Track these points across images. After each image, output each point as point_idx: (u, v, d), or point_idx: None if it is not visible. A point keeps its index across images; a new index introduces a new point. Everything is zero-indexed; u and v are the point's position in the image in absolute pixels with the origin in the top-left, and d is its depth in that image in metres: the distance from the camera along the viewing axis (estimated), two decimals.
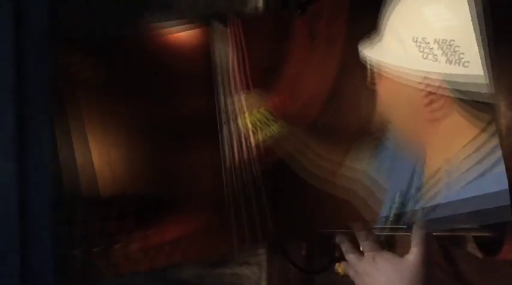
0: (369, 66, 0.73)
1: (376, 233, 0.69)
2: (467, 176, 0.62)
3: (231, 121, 0.87)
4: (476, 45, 0.58)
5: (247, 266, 0.98)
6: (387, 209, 0.74)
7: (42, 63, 0.80)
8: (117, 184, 0.91)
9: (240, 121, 0.90)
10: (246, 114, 0.89)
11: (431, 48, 0.62)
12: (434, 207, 0.67)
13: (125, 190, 0.90)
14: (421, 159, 0.72)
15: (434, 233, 0.67)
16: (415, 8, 0.66)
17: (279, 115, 0.90)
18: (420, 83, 0.63)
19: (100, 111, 0.92)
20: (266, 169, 0.89)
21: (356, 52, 0.76)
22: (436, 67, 0.61)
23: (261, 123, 0.88)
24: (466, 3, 0.59)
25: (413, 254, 0.61)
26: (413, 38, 0.63)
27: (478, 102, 0.60)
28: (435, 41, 0.61)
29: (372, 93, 0.74)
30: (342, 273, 0.83)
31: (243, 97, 0.91)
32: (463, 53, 0.59)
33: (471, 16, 0.58)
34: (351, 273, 0.68)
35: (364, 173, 0.79)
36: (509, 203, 0.57)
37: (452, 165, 0.64)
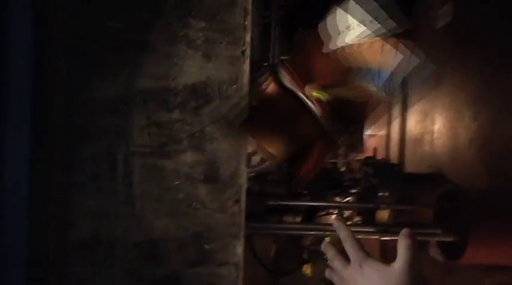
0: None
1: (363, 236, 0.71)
2: None
3: None
4: None
5: (226, 265, 0.99)
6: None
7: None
8: None
9: None
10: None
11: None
12: None
13: None
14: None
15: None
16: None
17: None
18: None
19: None
20: None
21: None
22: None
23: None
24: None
25: (400, 262, 0.61)
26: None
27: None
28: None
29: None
30: (310, 275, 0.85)
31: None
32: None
33: None
34: (335, 280, 0.68)
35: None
36: None
37: None
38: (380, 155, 4.24)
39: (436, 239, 2.27)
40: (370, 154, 4.31)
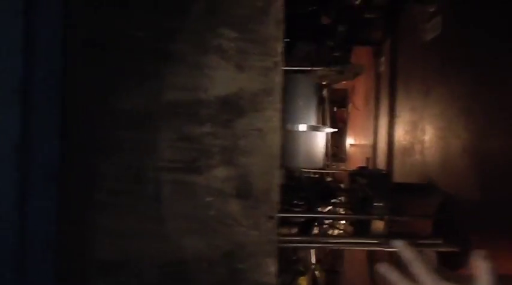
0: None
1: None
2: None
3: None
4: None
5: None
6: None
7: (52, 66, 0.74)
8: None
9: None
10: None
11: None
12: None
13: None
14: None
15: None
16: None
17: None
18: None
19: None
20: None
21: None
22: None
23: None
24: None
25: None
26: None
27: None
28: None
29: None
30: None
31: None
32: None
33: None
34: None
35: None
36: None
37: None
38: (363, 165, 4.27)
39: (441, 249, 2.29)
40: (358, 164, 4.33)
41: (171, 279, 0.94)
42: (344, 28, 3.56)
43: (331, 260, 4.79)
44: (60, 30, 0.76)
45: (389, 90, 3.75)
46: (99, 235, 0.91)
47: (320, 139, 3.06)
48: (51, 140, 0.75)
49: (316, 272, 3.56)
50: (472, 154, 2.39)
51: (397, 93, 3.56)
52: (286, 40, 0.98)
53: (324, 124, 3.26)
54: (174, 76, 0.94)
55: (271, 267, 0.97)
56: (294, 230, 2.81)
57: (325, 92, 3.25)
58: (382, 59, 4.03)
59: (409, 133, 3.27)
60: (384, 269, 0.64)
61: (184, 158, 0.94)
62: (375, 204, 2.77)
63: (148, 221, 0.93)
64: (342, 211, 3.57)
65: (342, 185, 4.17)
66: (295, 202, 2.83)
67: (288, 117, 2.84)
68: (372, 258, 4.10)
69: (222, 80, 0.95)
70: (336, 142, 5.51)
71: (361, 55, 4.94)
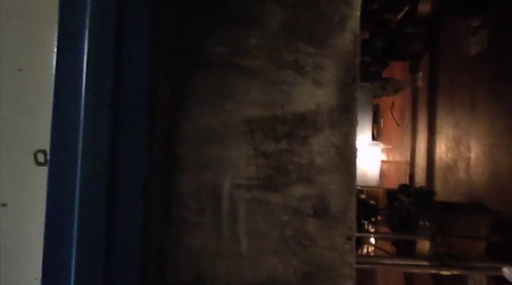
0: None
1: None
2: None
3: None
4: None
5: None
6: None
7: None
8: None
9: None
10: None
11: None
12: None
13: None
14: None
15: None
16: None
17: None
18: None
19: None
20: None
21: None
22: None
23: None
24: None
25: None
26: None
27: None
28: None
29: None
30: None
31: None
32: None
33: None
34: None
35: None
36: None
37: None
38: (400, 182, 4.16)
39: (489, 273, 2.19)
40: (390, 181, 4.23)
41: None
42: (382, 43, 3.51)
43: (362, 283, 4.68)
44: (149, 44, 0.76)
45: (429, 105, 3.67)
46: (175, 253, 0.89)
47: (376, 156, 3.01)
48: (138, 155, 0.74)
49: None
50: None
51: (438, 108, 3.49)
52: None
53: (376, 140, 3.20)
54: (250, 93, 0.93)
55: None
56: None
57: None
58: (420, 74, 3.96)
59: (452, 150, 3.18)
60: None
61: (261, 176, 0.92)
62: (420, 223, 2.68)
63: (224, 239, 0.91)
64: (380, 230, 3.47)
65: (373, 203, 4.07)
66: None
67: None
68: (411, 282, 3.95)
69: (299, 96, 0.93)
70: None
71: (395, 70, 4.87)
